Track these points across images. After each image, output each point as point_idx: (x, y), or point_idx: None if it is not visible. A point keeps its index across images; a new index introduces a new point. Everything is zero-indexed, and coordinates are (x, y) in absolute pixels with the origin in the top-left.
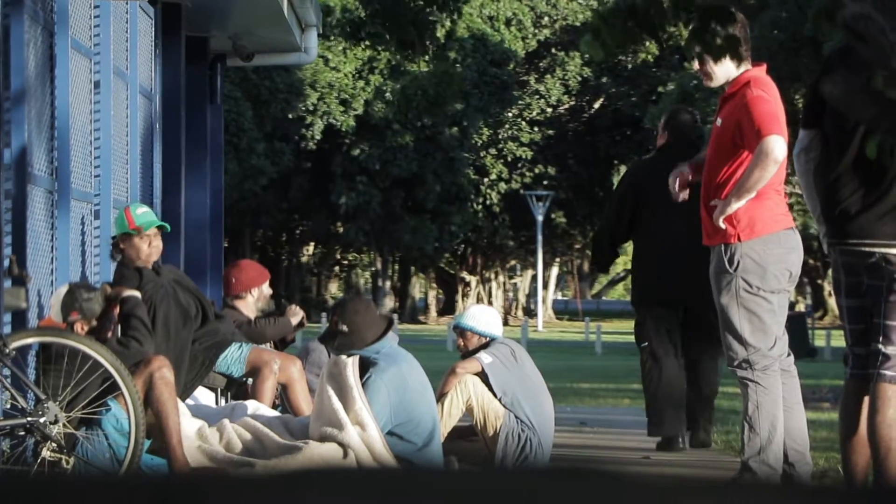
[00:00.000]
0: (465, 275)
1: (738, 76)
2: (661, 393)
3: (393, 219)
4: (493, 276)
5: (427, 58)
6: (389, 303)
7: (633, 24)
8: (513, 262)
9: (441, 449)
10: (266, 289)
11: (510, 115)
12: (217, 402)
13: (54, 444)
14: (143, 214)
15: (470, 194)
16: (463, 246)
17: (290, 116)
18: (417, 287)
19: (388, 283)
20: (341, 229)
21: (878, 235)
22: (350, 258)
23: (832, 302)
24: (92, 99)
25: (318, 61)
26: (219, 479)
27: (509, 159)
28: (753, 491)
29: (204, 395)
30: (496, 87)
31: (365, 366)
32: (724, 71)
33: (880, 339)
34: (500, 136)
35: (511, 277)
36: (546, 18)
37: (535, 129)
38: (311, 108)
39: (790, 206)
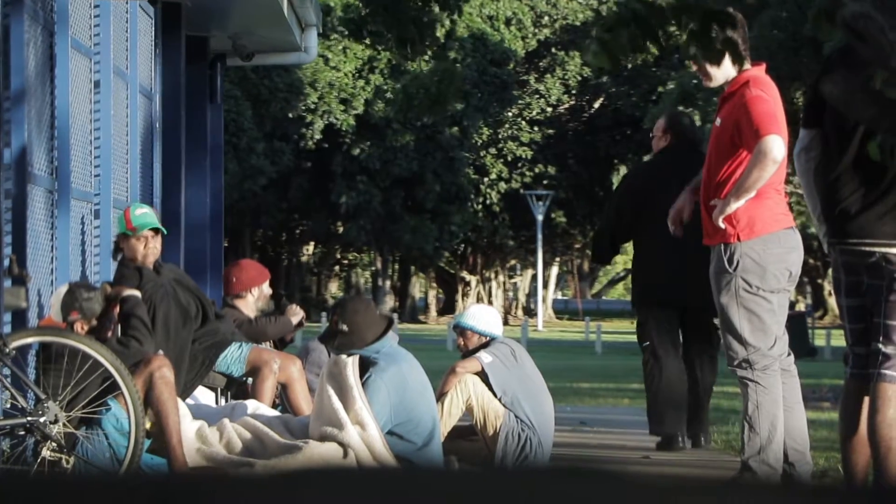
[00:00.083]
0: (465, 274)
1: (737, 76)
2: (662, 392)
3: (393, 218)
4: (493, 275)
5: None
6: (389, 302)
7: (636, 33)
8: (513, 262)
9: (441, 448)
10: (266, 288)
11: (510, 114)
12: (217, 402)
13: (54, 444)
14: (141, 216)
15: (470, 194)
16: (463, 245)
17: (289, 116)
18: (417, 286)
19: (388, 283)
20: (341, 229)
21: (879, 235)
22: (350, 258)
23: (832, 301)
24: (92, 98)
25: (318, 60)
26: (219, 478)
27: (509, 159)
28: (753, 490)
29: (204, 395)
30: (496, 87)
31: (365, 365)
32: (723, 71)
33: (880, 338)
34: (500, 136)
35: (511, 277)
36: (546, 18)
37: (535, 128)
38: (311, 107)
39: (790, 206)
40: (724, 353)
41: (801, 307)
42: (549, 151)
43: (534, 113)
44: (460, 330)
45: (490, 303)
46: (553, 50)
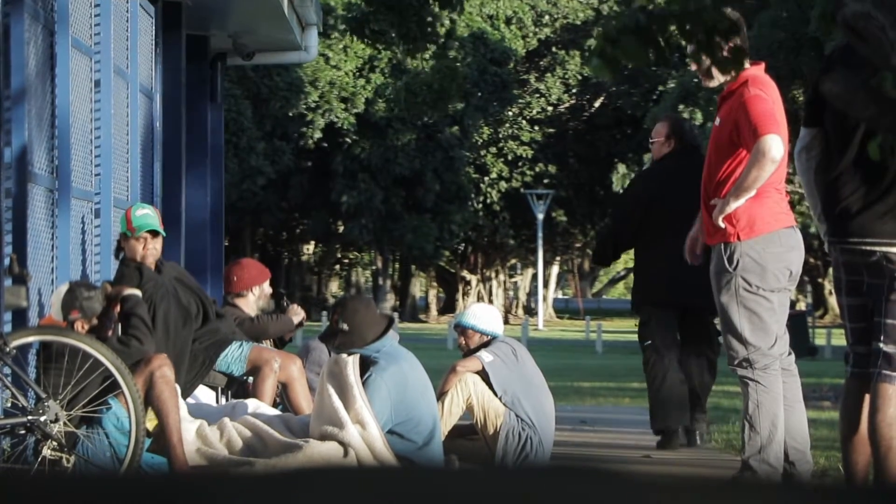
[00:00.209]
0: (465, 273)
1: (737, 75)
2: (664, 390)
3: (393, 217)
4: (493, 274)
5: (427, 56)
6: (390, 301)
7: (640, 44)
8: (513, 261)
9: (441, 448)
10: (267, 287)
11: (510, 113)
12: (217, 401)
13: (55, 443)
14: (141, 217)
15: (470, 193)
16: (463, 245)
17: (290, 115)
18: (418, 286)
19: (388, 282)
20: (342, 228)
21: (879, 234)
22: (350, 257)
23: (833, 300)
24: (92, 97)
25: (318, 59)
26: (219, 478)
27: (510, 158)
28: (754, 490)
29: (204, 394)
30: (496, 86)
31: (365, 364)
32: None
33: (881, 337)
34: (500, 135)
35: (511, 276)
36: (546, 17)
37: (536, 127)
38: (311, 106)
39: (791, 205)
40: (724, 352)
41: (801, 306)
42: (550, 150)
43: (534, 112)
44: (461, 329)
45: (490, 302)
46: (553, 49)
